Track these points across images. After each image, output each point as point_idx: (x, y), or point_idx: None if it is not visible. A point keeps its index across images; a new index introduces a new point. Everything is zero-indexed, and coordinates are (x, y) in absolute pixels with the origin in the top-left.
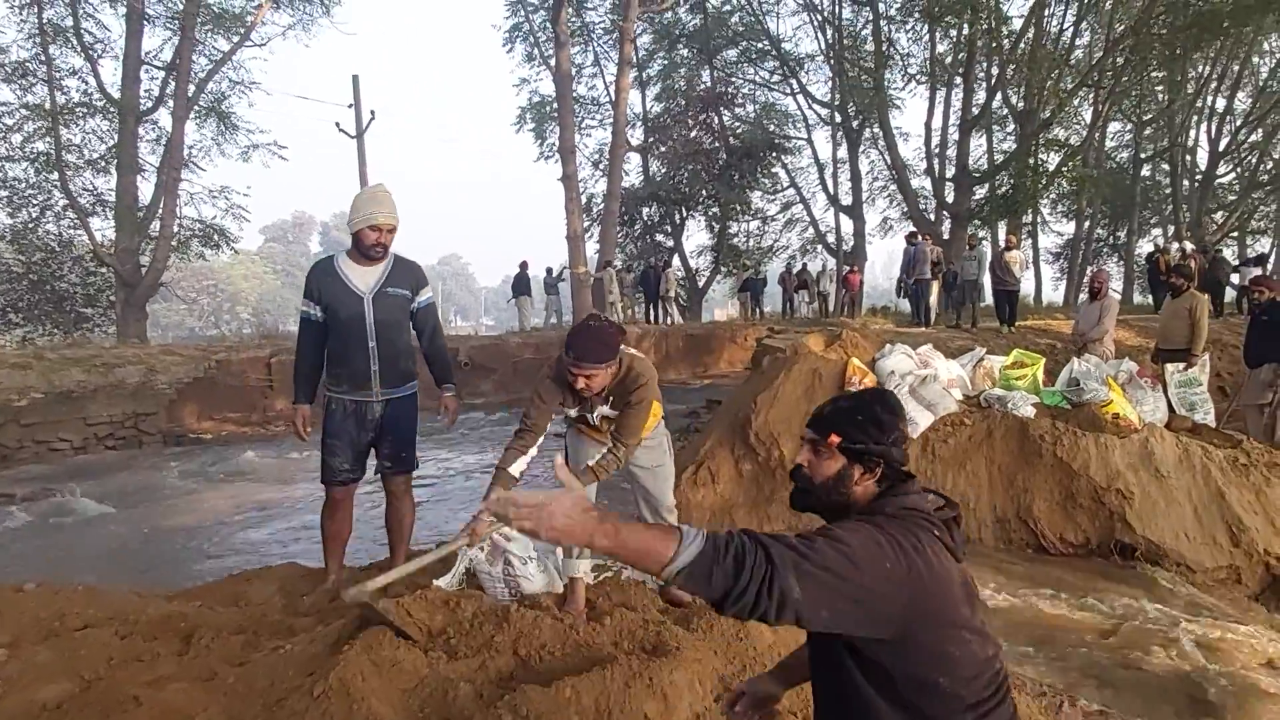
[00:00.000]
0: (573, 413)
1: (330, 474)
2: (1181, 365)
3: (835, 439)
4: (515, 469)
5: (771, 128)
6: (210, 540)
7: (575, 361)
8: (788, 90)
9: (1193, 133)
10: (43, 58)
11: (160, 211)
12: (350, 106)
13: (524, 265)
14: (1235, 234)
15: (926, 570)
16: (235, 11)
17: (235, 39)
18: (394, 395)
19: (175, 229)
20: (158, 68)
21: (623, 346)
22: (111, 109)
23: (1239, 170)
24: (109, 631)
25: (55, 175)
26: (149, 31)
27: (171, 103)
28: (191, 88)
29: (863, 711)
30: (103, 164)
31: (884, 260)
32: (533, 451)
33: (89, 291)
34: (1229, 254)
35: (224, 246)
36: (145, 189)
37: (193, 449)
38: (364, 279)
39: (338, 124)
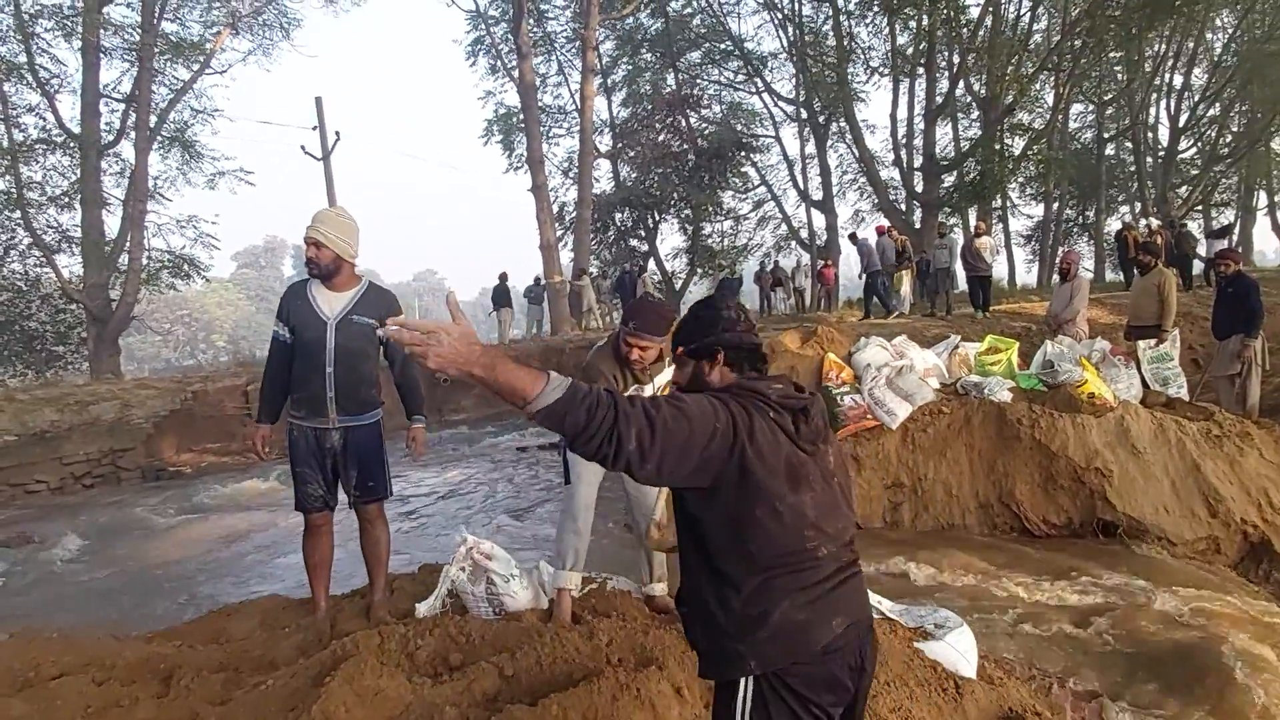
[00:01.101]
0: (619, 386)
1: (305, 501)
2: (1153, 342)
3: (680, 349)
4: None
5: (739, 127)
6: (192, 575)
7: (635, 332)
8: (753, 89)
9: (1153, 110)
10: None
11: (128, 244)
12: (315, 129)
13: (503, 277)
14: (1200, 208)
15: (748, 437)
16: (194, 40)
17: (195, 67)
18: (352, 423)
19: (144, 261)
20: (117, 100)
21: None
22: (72, 144)
23: (1200, 145)
24: (85, 679)
25: (18, 214)
26: (106, 64)
27: (133, 134)
28: (153, 118)
29: (686, 560)
30: (66, 200)
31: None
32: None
33: (59, 329)
34: (1195, 228)
35: (195, 276)
36: (111, 223)
37: (172, 483)
38: (331, 304)
39: (303, 147)
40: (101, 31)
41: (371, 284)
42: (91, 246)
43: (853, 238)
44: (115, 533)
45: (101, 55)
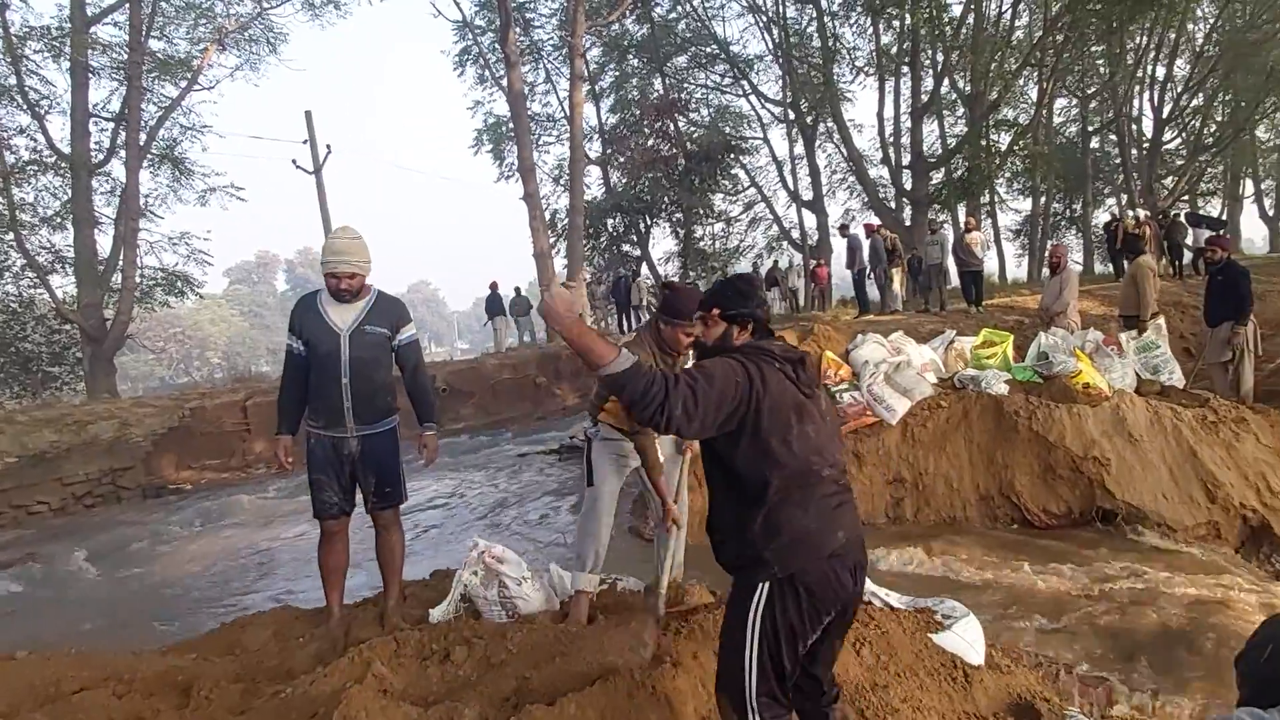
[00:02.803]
0: None
1: (321, 508)
2: (1134, 332)
3: (716, 311)
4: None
5: (727, 130)
6: (200, 590)
7: (688, 321)
8: (740, 92)
9: (1136, 102)
10: None
11: (121, 263)
12: (305, 142)
13: (494, 286)
14: (1186, 197)
15: (762, 385)
16: (181, 57)
17: (183, 84)
18: (369, 432)
19: (137, 279)
20: (106, 119)
21: None
22: (63, 164)
23: (1184, 135)
24: (106, 693)
25: (10, 235)
26: (95, 83)
27: (124, 153)
28: (143, 136)
29: (716, 495)
30: (58, 220)
31: (863, 251)
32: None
33: (55, 350)
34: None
35: (188, 293)
36: (104, 242)
37: (173, 500)
38: (343, 316)
39: (294, 161)
40: (90, 51)
41: (380, 293)
42: (84, 266)
43: (843, 230)
44: (119, 551)
45: (90, 75)
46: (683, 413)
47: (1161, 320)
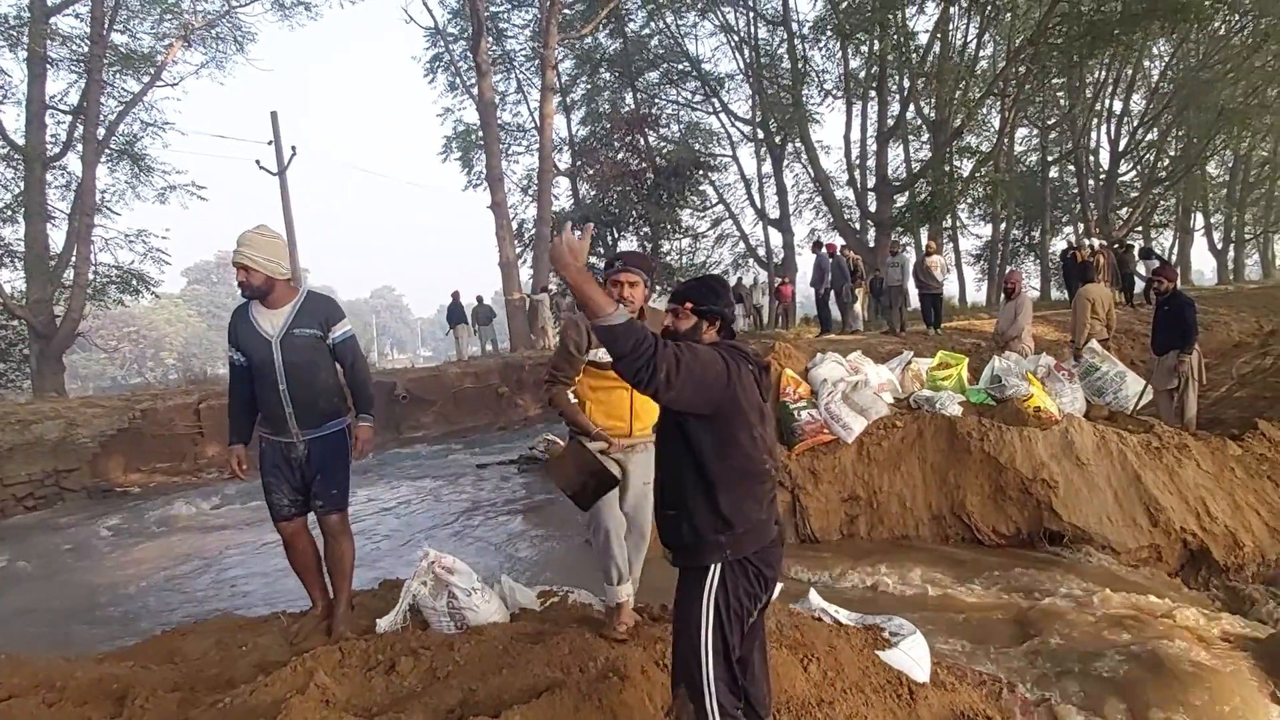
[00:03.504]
0: (600, 354)
1: (275, 511)
2: (1072, 360)
3: (689, 305)
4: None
5: (697, 146)
6: (142, 596)
7: (625, 267)
8: (710, 109)
9: (1094, 134)
10: None
11: (74, 259)
12: (270, 143)
13: (456, 295)
14: (1140, 228)
15: (737, 379)
16: (144, 51)
17: (145, 79)
18: (315, 435)
19: (91, 276)
20: (64, 112)
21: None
22: (16, 156)
23: (1139, 168)
24: (36, 700)
25: None
26: (53, 75)
27: (80, 147)
28: (101, 131)
29: (678, 474)
30: (9, 213)
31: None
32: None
33: (0, 346)
34: (1137, 246)
35: (144, 292)
36: (57, 237)
37: (120, 503)
38: (272, 322)
39: (258, 161)
40: (48, 42)
41: (310, 293)
42: (35, 261)
43: (816, 246)
44: (59, 555)
45: (48, 66)
46: (665, 376)
47: (1095, 342)
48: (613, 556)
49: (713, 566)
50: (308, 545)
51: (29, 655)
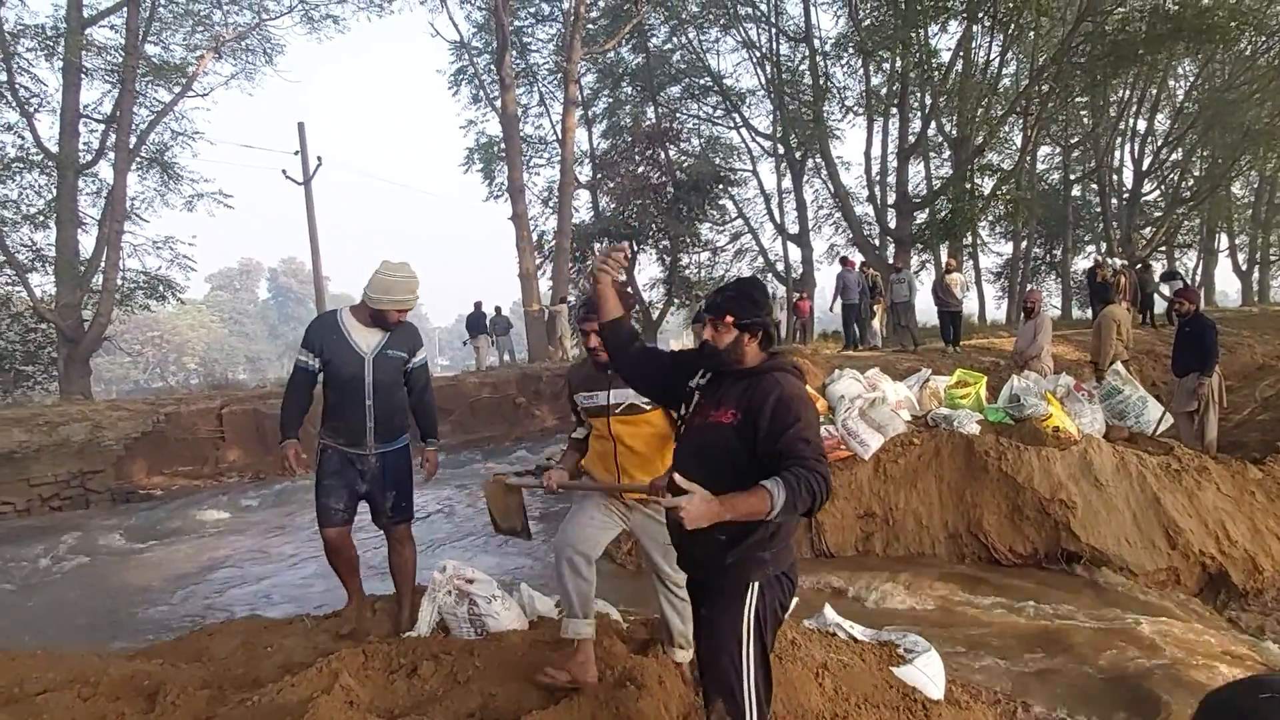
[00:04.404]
0: (582, 398)
1: (326, 516)
2: (1094, 381)
3: (730, 318)
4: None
5: (717, 161)
6: (168, 596)
7: (583, 317)
8: (731, 124)
9: (1117, 154)
10: None
11: (103, 265)
12: (296, 153)
13: (478, 305)
14: (1164, 248)
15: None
16: (176, 62)
17: (176, 90)
18: (388, 449)
19: (119, 281)
20: (97, 120)
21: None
22: (49, 163)
23: (1163, 188)
24: (71, 694)
25: None
26: (87, 84)
27: (112, 155)
28: (133, 139)
29: (728, 490)
30: (41, 219)
31: (835, 286)
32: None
33: (29, 349)
34: (1159, 266)
35: (169, 297)
36: (87, 242)
37: (143, 505)
38: (367, 340)
39: (284, 171)
40: (84, 53)
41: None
42: (65, 266)
43: (843, 262)
44: (84, 555)
45: (83, 76)
46: (827, 492)
47: (1119, 365)
48: (564, 588)
49: (753, 583)
50: (351, 549)
51: (64, 651)
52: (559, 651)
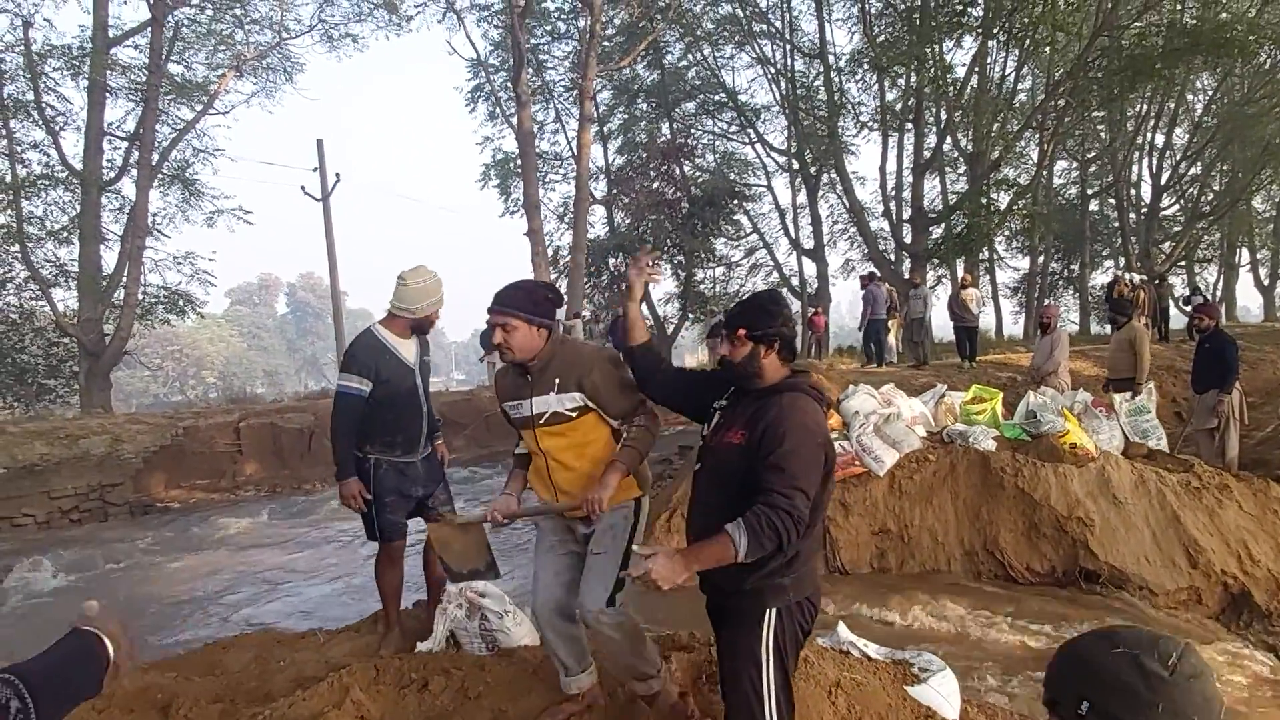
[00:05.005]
0: (524, 406)
1: (393, 530)
2: (1129, 395)
3: (742, 331)
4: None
5: (732, 176)
6: (183, 610)
7: (492, 308)
8: (746, 140)
9: (1135, 168)
10: (3, 132)
11: (124, 280)
12: (315, 170)
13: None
14: (1183, 263)
15: (828, 435)
16: (198, 81)
17: (198, 108)
18: (428, 450)
19: (140, 296)
20: (120, 138)
21: (569, 331)
22: (73, 180)
23: (1182, 202)
24: (85, 707)
25: (16, 247)
26: (111, 103)
27: (135, 172)
28: (155, 156)
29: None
30: (65, 235)
31: (849, 301)
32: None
33: (51, 363)
34: (1179, 282)
35: (189, 312)
36: (109, 258)
37: (161, 518)
38: (409, 352)
39: (303, 187)
40: (108, 72)
41: None
42: (88, 281)
43: (870, 278)
44: (103, 567)
45: (107, 95)
46: (795, 527)
47: (1152, 385)
48: (553, 653)
49: (770, 610)
50: (402, 566)
51: None
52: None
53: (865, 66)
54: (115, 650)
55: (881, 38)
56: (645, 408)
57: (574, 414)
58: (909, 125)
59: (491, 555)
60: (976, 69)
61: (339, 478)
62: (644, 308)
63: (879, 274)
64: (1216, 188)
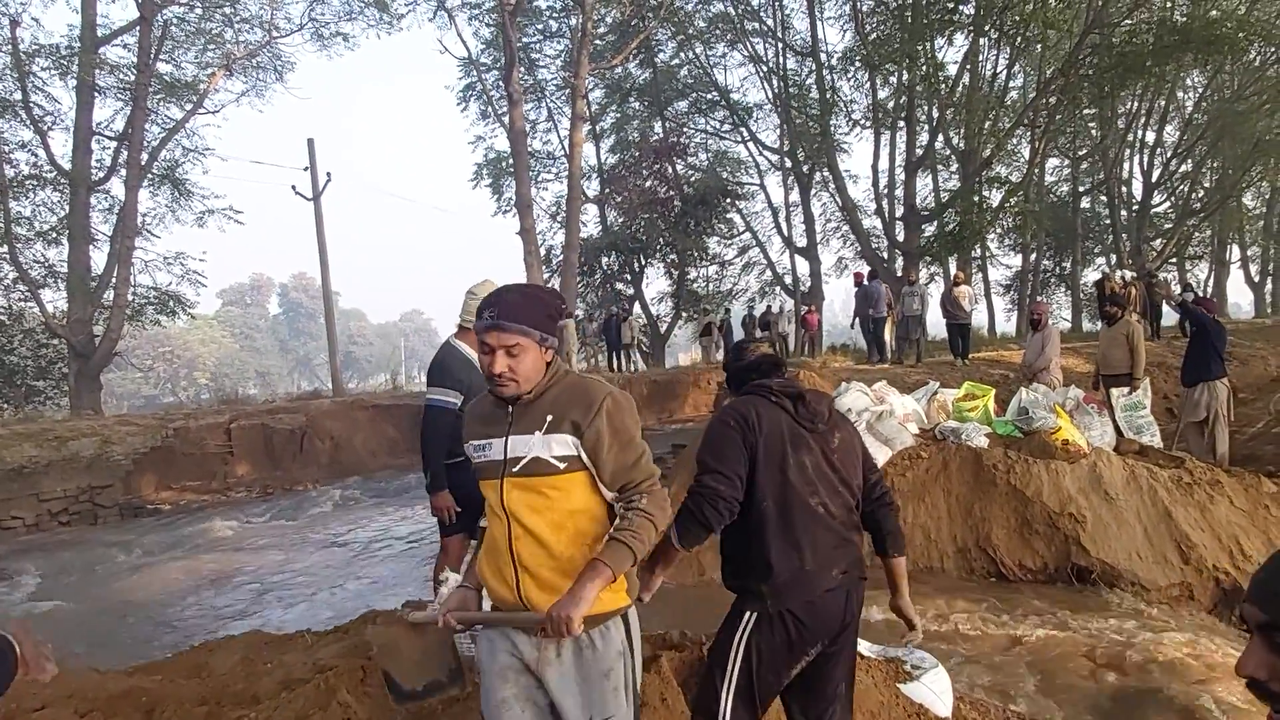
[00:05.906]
0: (494, 448)
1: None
2: (1125, 390)
3: (730, 389)
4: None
5: (724, 175)
6: (170, 612)
7: (491, 324)
8: (738, 138)
9: (1126, 165)
10: None
11: (114, 280)
12: (306, 169)
13: None
14: (1174, 260)
15: (757, 423)
16: (188, 80)
17: (188, 107)
18: None
19: (130, 297)
20: (109, 138)
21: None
22: (62, 180)
23: (1173, 199)
24: (68, 711)
25: (5, 248)
26: (100, 102)
27: (124, 172)
28: (144, 156)
29: (729, 531)
30: (54, 235)
31: (842, 299)
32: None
33: (41, 364)
34: (1170, 279)
35: (180, 312)
36: (98, 258)
37: (151, 520)
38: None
39: (294, 187)
40: (96, 71)
41: None
42: (77, 282)
43: (871, 276)
44: (91, 570)
45: (96, 94)
46: (713, 512)
47: (1148, 380)
48: None
49: (748, 613)
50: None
51: (62, 666)
52: None
53: (857, 64)
54: (21, 648)
55: (873, 35)
56: (654, 483)
57: (561, 465)
58: (901, 123)
59: (457, 659)
60: (968, 67)
61: (431, 489)
62: (638, 307)
63: (873, 271)
64: (1207, 185)
